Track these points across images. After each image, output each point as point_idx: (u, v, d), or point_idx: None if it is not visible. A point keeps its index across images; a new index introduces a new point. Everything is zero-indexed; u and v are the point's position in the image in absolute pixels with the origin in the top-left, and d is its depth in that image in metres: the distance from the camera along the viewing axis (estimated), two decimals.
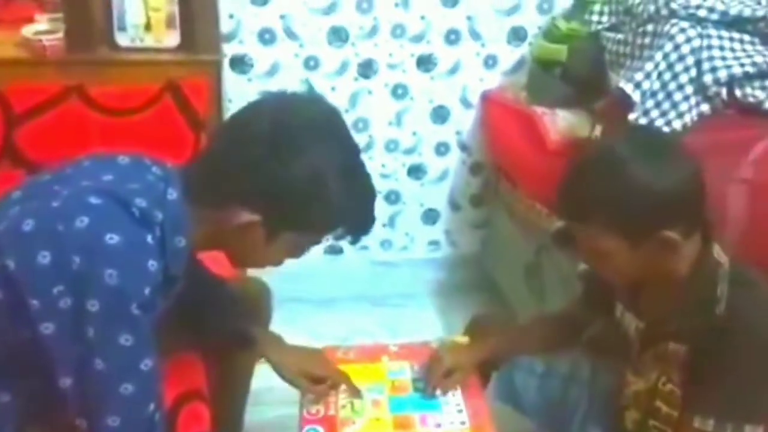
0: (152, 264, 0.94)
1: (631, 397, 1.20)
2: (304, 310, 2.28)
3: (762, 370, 1.01)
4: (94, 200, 0.96)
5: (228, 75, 2.09)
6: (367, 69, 2.16)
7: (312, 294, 2.33)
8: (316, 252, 2.33)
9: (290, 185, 0.99)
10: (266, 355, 1.34)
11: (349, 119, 2.20)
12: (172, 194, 1.01)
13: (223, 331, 1.32)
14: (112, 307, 0.92)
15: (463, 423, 1.25)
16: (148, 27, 1.87)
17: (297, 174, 0.99)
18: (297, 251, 1.11)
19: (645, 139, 1.10)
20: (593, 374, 1.36)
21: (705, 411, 1.02)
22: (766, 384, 1.02)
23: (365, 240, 2.33)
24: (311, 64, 2.13)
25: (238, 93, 2.12)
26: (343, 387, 1.32)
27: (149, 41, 1.90)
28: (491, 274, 2.40)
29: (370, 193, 1.11)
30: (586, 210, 1.05)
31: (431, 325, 2.29)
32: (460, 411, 1.28)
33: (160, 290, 0.98)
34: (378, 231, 2.39)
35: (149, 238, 0.96)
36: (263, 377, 1.51)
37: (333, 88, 2.17)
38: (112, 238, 0.92)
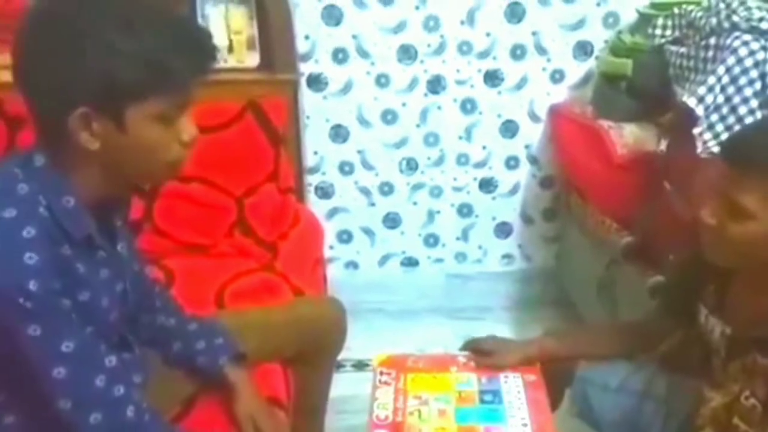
0: (29, 257, 0.91)
1: (707, 416, 1.15)
2: (382, 321, 2.35)
3: None
4: None
5: (305, 93, 2.18)
6: (435, 85, 2.21)
7: (389, 305, 2.40)
8: (393, 264, 2.43)
9: (79, 62, 0.91)
10: (234, 388, 1.30)
11: (420, 134, 2.26)
12: (39, 161, 0.98)
13: (189, 364, 1.31)
14: (1, 306, 0.91)
15: None
16: (230, 49, 1.99)
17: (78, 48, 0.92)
18: (169, 121, 0.99)
19: None
20: (669, 391, 1.31)
21: None
22: None
23: (440, 252, 2.42)
24: (382, 81, 2.20)
25: (315, 110, 2.21)
26: (413, 393, 1.35)
27: (231, 62, 2.02)
28: (565, 288, 2.38)
29: (159, 21, 0.97)
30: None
31: (508, 336, 2.29)
32: (525, 425, 1.27)
33: (71, 262, 0.97)
34: (452, 244, 2.42)
35: (25, 232, 0.92)
36: (344, 385, 1.57)
37: (404, 104, 2.23)
38: None
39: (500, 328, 2.34)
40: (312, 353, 1.50)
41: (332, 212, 2.35)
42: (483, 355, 1.40)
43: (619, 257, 1.83)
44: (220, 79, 1.99)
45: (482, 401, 1.33)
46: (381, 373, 1.42)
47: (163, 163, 1.01)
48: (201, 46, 0.99)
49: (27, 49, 0.94)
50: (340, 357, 2.13)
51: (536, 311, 2.43)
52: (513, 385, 1.36)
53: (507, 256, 2.46)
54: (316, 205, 2.32)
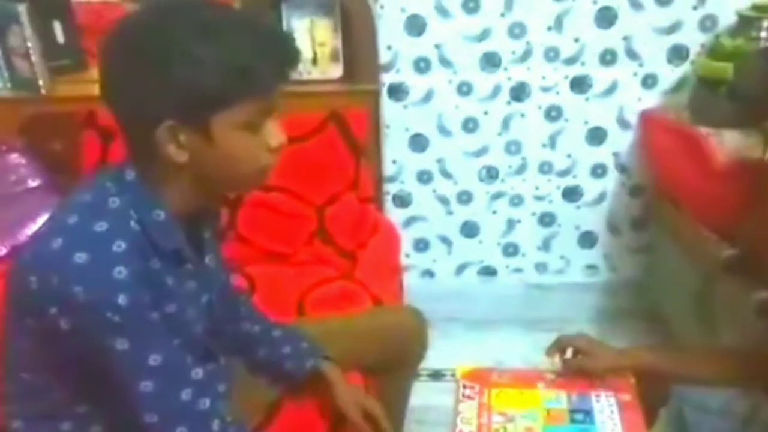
0: (119, 271, 0.92)
1: None
2: (459, 330, 2.32)
3: None
4: (70, 220, 0.96)
5: (386, 102, 2.18)
6: (519, 92, 2.17)
7: (467, 314, 2.36)
8: (470, 273, 2.40)
9: (163, 74, 0.91)
10: (331, 382, 1.32)
11: (501, 142, 2.22)
12: (130, 175, 0.99)
13: (276, 370, 1.32)
14: (87, 321, 0.92)
15: None
16: (314, 61, 2.01)
17: (163, 60, 0.91)
18: (256, 128, 0.98)
19: None
20: None
21: None
22: None
23: (519, 262, 2.38)
24: (464, 89, 2.17)
25: (395, 119, 2.21)
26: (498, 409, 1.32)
27: (316, 74, 2.04)
28: (655, 302, 2.29)
29: (240, 27, 0.95)
30: None
31: None
32: None
33: (160, 275, 0.98)
34: (532, 253, 2.37)
35: (115, 246, 0.93)
36: (421, 395, 1.55)
37: (486, 112, 2.19)
38: (81, 257, 0.92)
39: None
40: (393, 362, 1.49)
41: (409, 221, 2.34)
42: (572, 354, 1.33)
43: (718, 271, 1.74)
44: (303, 90, 2.03)
45: (572, 420, 1.27)
46: (464, 387, 1.37)
47: (252, 171, 1.01)
48: (284, 50, 0.97)
49: (111, 63, 0.96)
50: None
51: (621, 324, 2.34)
52: (606, 405, 1.29)
53: (591, 267, 2.39)
54: (394, 214, 2.31)
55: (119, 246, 0.93)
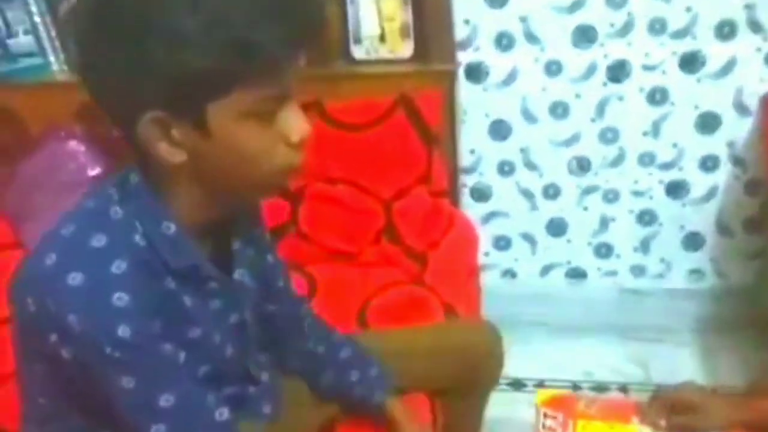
0: (119, 297, 0.76)
1: None
2: (543, 336, 2.12)
3: None
4: (67, 231, 0.81)
5: (462, 84, 1.97)
6: (617, 72, 1.91)
7: (551, 319, 2.15)
8: (556, 275, 2.17)
9: (138, 53, 0.73)
10: (398, 421, 1.16)
11: (595, 129, 1.97)
12: (134, 178, 0.83)
13: (344, 396, 1.18)
14: (87, 353, 0.78)
15: None
16: (382, 38, 1.82)
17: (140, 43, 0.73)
18: (267, 118, 0.80)
19: None
20: None
21: None
22: None
23: (613, 264, 2.12)
24: (553, 68, 1.93)
25: (473, 103, 1.99)
26: None
27: (383, 52, 1.85)
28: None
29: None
30: None
31: (690, 364, 1.98)
32: None
33: (176, 296, 0.84)
34: (628, 255, 2.11)
35: (114, 267, 0.77)
36: (498, 405, 1.38)
37: (578, 95, 1.94)
38: (75, 278, 0.77)
39: (682, 352, 2.03)
40: (463, 385, 1.31)
41: (489, 216, 2.12)
42: (675, 409, 1.12)
43: None
44: (369, 71, 1.87)
45: None
46: (545, 416, 1.19)
47: (269, 172, 0.82)
48: (296, 14, 0.75)
49: (82, 41, 0.78)
50: None
51: (729, 336, 2.07)
52: None
53: (695, 272, 2.10)
54: (472, 209, 2.10)
55: (119, 267, 0.78)
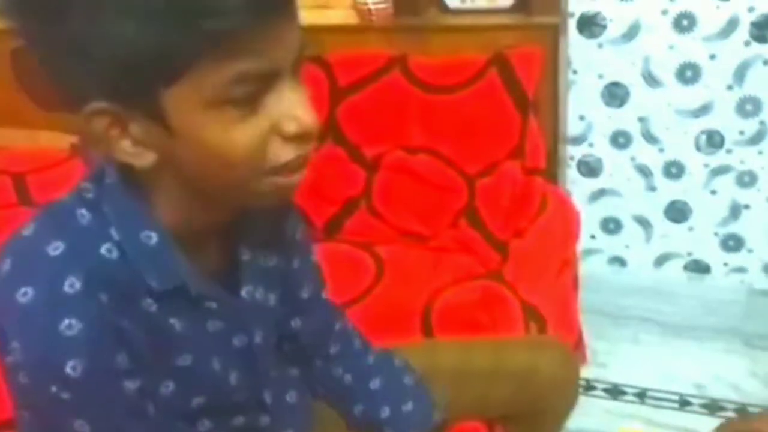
0: (69, 324, 0.61)
1: None
2: (651, 334, 1.87)
3: None
4: (26, 232, 0.67)
5: (573, 39, 1.69)
6: (764, 28, 1.55)
7: (664, 317, 1.88)
8: (673, 267, 1.88)
9: (64, 32, 0.57)
10: None
11: (732, 98, 1.64)
12: (111, 176, 0.67)
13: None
14: (31, 388, 0.64)
15: None
16: None
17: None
18: (247, 104, 0.61)
19: None
20: None
21: None
22: None
23: (743, 259, 1.80)
24: (684, 22, 1.61)
25: (585, 62, 1.71)
26: None
27: (481, 2, 1.64)
28: None
29: None
30: None
31: None
32: None
33: (158, 319, 0.68)
34: (762, 250, 1.78)
35: (67, 285, 0.62)
36: (591, 415, 1.23)
37: (713, 56, 1.61)
38: (25, 294, 0.62)
39: None
40: (527, 415, 1.09)
41: (598, 194, 1.85)
42: None
43: None
44: (465, 24, 1.66)
45: None
46: None
47: (260, 173, 0.64)
48: None
49: (6, 11, 0.61)
50: (591, 376, 1.73)
51: None
52: None
53: None
54: (578, 185, 1.84)
55: (72, 285, 0.62)
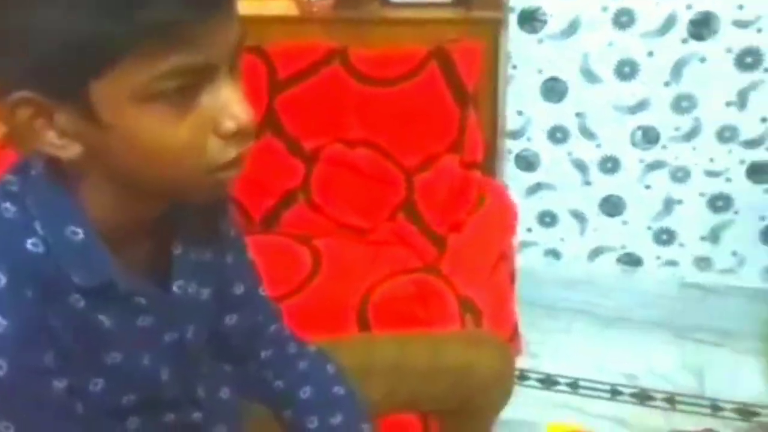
0: None
1: None
2: (586, 327, 1.90)
3: None
4: None
5: (514, 34, 1.69)
6: (702, 27, 1.59)
7: (598, 309, 1.92)
8: (607, 260, 1.91)
9: None
10: None
11: (668, 95, 1.67)
12: (36, 167, 0.65)
13: None
14: None
15: None
16: None
17: None
18: (181, 99, 0.59)
19: None
20: None
21: None
22: None
23: (675, 253, 1.83)
24: (623, 19, 1.63)
25: (525, 57, 1.72)
26: None
27: None
28: None
29: None
30: None
31: (758, 378, 1.71)
32: None
33: (86, 315, 0.66)
34: (694, 245, 1.82)
35: None
36: (523, 404, 1.26)
37: (650, 53, 1.64)
38: None
39: (744, 360, 1.76)
40: (461, 410, 1.10)
41: (535, 188, 1.87)
42: None
43: None
44: (404, 17, 1.66)
45: None
46: None
47: (196, 172, 0.62)
48: None
49: None
50: (525, 366, 1.75)
51: None
52: None
53: None
54: (515, 179, 1.85)
55: None
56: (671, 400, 1.66)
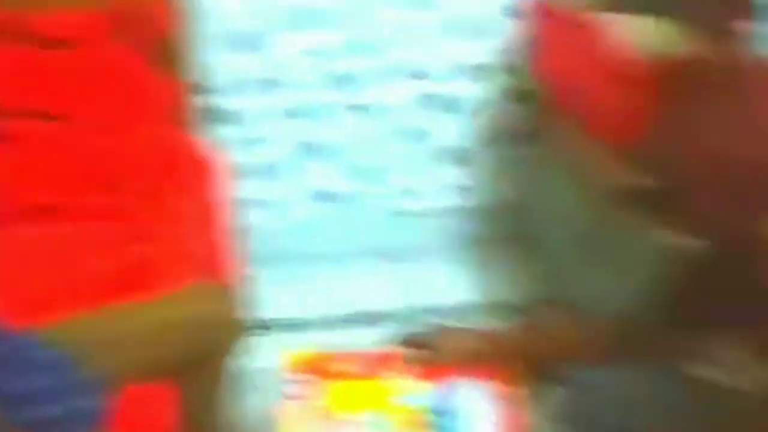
0: None
1: None
2: (305, 267, 1.98)
3: None
4: None
5: None
6: None
7: (315, 249, 2.01)
8: (320, 202, 1.99)
9: None
10: None
11: (357, 38, 1.78)
12: None
13: None
14: None
15: None
16: None
17: None
18: None
19: None
20: (677, 397, 1.01)
21: None
22: None
23: (379, 187, 2.00)
24: None
25: (214, 12, 1.70)
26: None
27: None
28: (531, 226, 2.01)
29: None
30: None
31: (458, 283, 1.95)
32: None
33: None
34: (394, 175, 2.00)
35: None
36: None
37: None
38: None
39: (451, 270, 1.98)
40: (200, 363, 1.12)
41: (244, 142, 1.89)
42: (424, 350, 1.12)
43: (625, 202, 1.44)
44: None
45: (435, 426, 1.02)
46: (293, 381, 1.08)
47: None
48: None
49: None
50: (255, 316, 1.79)
51: (493, 250, 2.06)
52: (476, 399, 1.05)
53: (461, 189, 2.05)
54: (218, 136, 1.85)
55: None
56: (390, 317, 1.82)
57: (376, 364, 1.10)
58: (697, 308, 0.92)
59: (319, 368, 1.09)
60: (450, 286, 1.91)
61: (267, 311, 1.82)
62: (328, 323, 1.83)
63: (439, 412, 1.03)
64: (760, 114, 1.09)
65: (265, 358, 1.44)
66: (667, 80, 1.31)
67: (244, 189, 1.94)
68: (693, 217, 1.23)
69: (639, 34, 1.38)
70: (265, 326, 1.80)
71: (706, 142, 1.20)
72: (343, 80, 1.83)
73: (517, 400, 1.05)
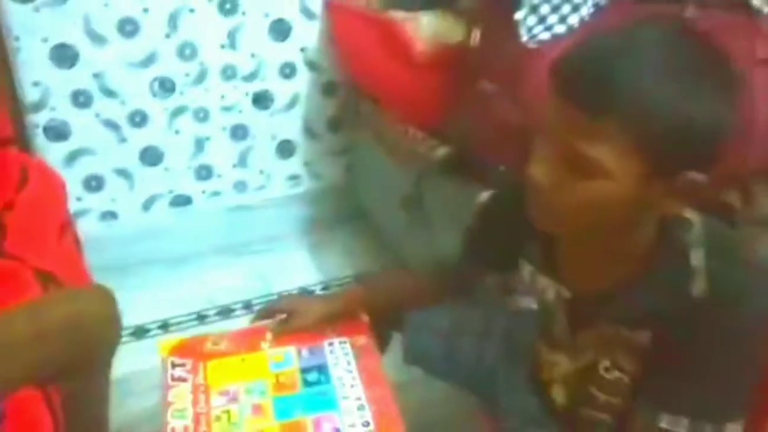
0: None
1: (554, 372, 1.01)
2: (159, 272, 2.01)
3: (745, 358, 0.81)
4: None
5: (9, 6, 1.64)
6: None
7: (164, 253, 2.03)
8: (160, 206, 2.04)
9: None
10: None
11: (171, 46, 1.85)
12: None
13: None
14: None
15: (366, 424, 1.03)
16: None
17: None
18: None
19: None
20: (509, 329, 1.16)
21: (677, 408, 0.82)
22: (749, 374, 0.82)
23: (216, 185, 2.08)
24: None
25: (25, 27, 1.68)
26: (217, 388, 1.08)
27: None
28: (362, 204, 2.19)
29: None
30: (615, 102, 0.72)
31: (304, 266, 2.09)
32: (361, 407, 1.06)
33: None
34: (229, 173, 2.09)
35: None
36: (126, 360, 1.27)
37: (146, 10, 1.78)
38: None
39: (294, 256, 2.13)
40: (78, 365, 1.13)
41: (72, 156, 1.88)
42: (281, 320, 1.20)
43: (434, 170, 1.64)
44: None
45: (306, 383, 1.10)
46: (173, 366, 1.13)
47: None
48: None
49: None
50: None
51: (332, 231, 2.24)
52: (341, 355, 1.15)
53: (293, 178, 2.19)
54: (50, 151, 1.83)
55: None
56: (248, 306, 1.91)
57: (245, 340, 1.17)
58: (493, 245, 1.05)
59: (195, 351, 1.14)
60: (298, 270, 2.05)
61: (133, 317, 1.84)
62: (185, 321, 1.87)
63: (308, 370, 1.12)
64: (526, 88, 1.30)
65: (140, 362, 1.49)
66: (456, 66, 1.52)
67: (85, 202, 1.94)
68: (484, 172, 1.45)
69: (427, 28, 1.60)
70: (136, 331, 1.82)
71: (485, 114, 1.41)
72: (163, 86, 1.88)
73: (370, 349, 1.16)
